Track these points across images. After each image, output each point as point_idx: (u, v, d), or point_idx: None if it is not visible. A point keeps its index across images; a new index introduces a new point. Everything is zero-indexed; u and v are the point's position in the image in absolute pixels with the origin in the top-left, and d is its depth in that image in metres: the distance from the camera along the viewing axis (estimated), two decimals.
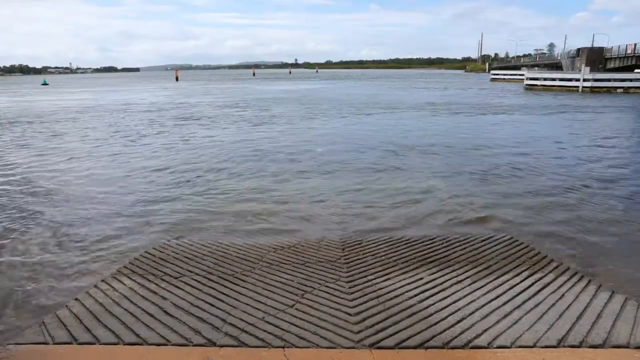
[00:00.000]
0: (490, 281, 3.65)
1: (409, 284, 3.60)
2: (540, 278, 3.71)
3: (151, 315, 3.15)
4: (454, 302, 3.29)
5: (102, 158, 10.13)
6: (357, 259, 4.14)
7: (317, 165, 9.07)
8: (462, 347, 2.75)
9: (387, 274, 3.79)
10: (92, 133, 14.28)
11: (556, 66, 58.06)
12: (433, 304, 3.26)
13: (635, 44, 42.00)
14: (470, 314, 3.11)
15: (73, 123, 17.30)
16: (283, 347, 2.76)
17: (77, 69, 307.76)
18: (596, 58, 46.81)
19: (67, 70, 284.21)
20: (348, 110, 20.69)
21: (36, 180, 7.95)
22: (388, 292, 3.44)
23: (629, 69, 40.32)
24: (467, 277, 3.72)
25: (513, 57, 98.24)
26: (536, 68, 57.40)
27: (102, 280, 3.77)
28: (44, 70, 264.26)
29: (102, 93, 40.87)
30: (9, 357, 2.70)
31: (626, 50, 43.61)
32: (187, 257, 4.25)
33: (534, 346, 2.74)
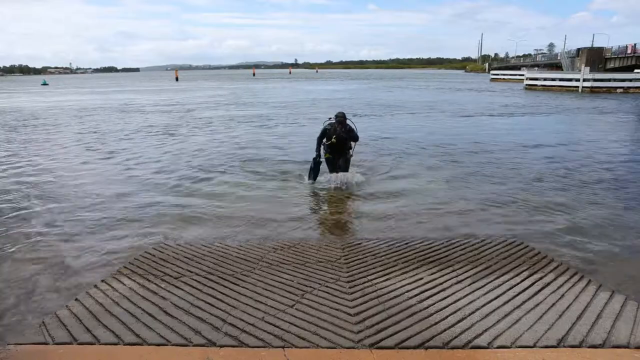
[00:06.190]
0: (490, 281, 3.65)
1: (409, 284, 3.60)
2: (540, 278, 3.70)
3: (151, 316, 3.15)
4: (454, 302, 3.29)
5: (114, 157, 10.13)
6: (357, 259, 4.14)
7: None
8: (462, 347, 2.75)
9: (387, 274, 3.79)
10: (107, 133, 14.29)
11: (556, 66, 58.03)
12: (433, 304, 3.26)
13: (635, 44, 42.04)
14: (470, 314, 3.11)
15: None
16: (283, 347, 2.76)
17: (77, 69, 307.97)
18: (596, 58, 46.87)
19: (67, 71, 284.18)
20: (446, 115, 19.16)
21: (36, 179, 7.95)
22: (388, 292, 3.44)
23: (629, 69, 40.35)
24: (467, 277, 3.72)
25: (513, 57, 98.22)
26: (536, 68, 57.36)
27: (102, 280, 3.77)
28: (43, 71, 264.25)
29: (130, 93, 39.73)
30: (9, 357, 2.70)
31: (626, 50, 43.66)
32: (187, 258, 4.25)
33: (534, 346, 2.74)
